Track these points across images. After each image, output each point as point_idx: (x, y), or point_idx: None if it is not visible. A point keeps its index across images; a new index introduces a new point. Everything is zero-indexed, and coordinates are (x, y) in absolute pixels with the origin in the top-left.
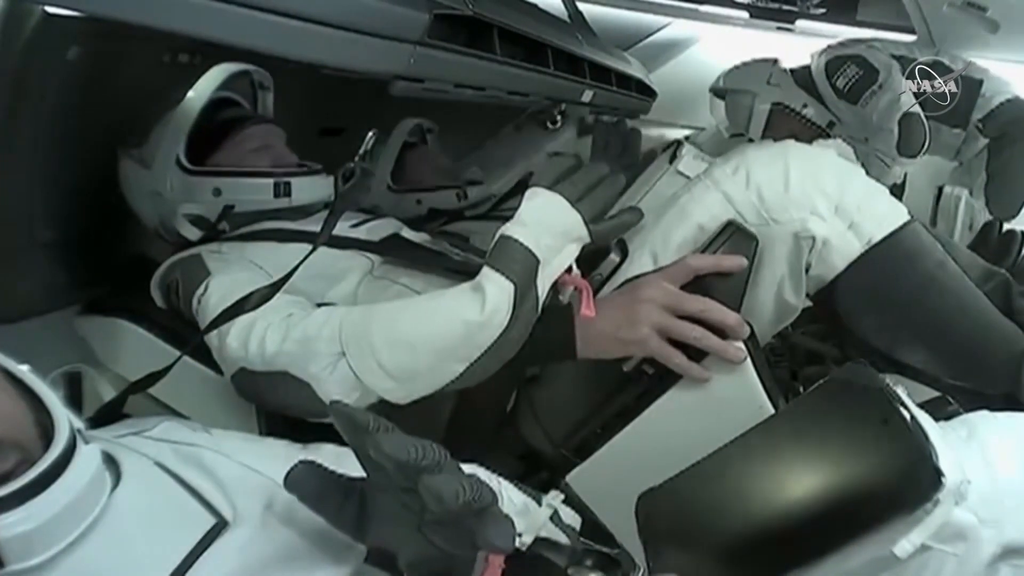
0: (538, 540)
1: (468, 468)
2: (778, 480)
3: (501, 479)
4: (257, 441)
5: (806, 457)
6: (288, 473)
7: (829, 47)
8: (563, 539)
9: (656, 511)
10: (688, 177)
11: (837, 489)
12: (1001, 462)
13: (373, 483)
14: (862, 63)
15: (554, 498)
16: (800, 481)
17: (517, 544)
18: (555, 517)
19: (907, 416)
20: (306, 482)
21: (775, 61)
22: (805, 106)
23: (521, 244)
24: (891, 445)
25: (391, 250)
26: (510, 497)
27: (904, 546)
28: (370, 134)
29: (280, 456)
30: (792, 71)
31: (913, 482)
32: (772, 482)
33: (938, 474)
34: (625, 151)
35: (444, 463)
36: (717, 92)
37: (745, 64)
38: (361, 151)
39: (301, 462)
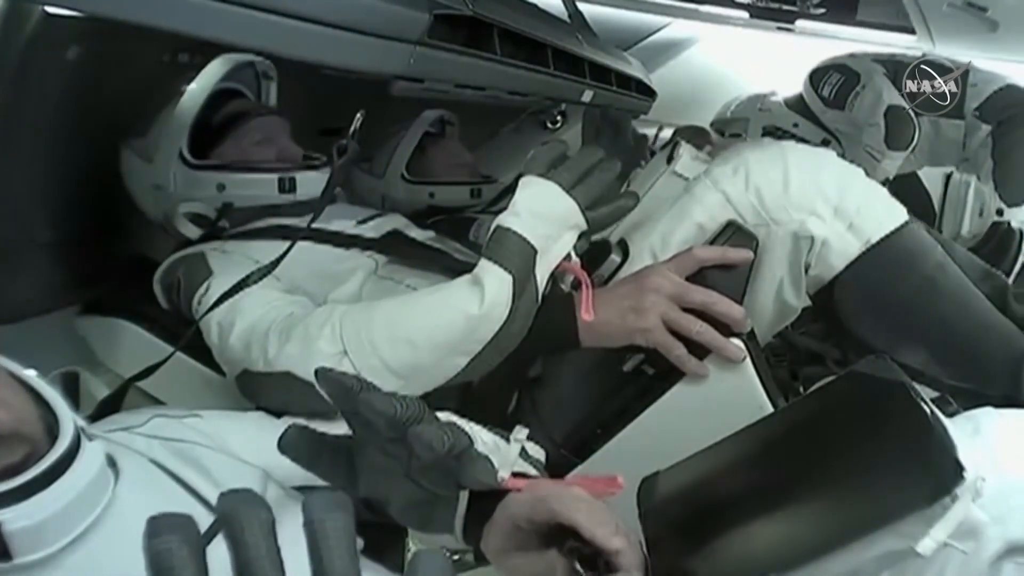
0: (513, 474)
1: (443, 416)
2: (795, 468)
3: (471, 423)
4: (244, 421)
5: (823, 446)
6: (281, 438)
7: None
8: (533, 472)
9: (661, 495)
10: (686, 178)
11: (855, 479)
12: (1007, 459)
13: (360, 440)
14: (843, 69)
15: (519, 432)
16: (817, 470)
17: (497, 480)
18: (523, 452)
19: (927, 410)
20: (298, 445)
21: (766, 95)
22: (796, 125)
23: (517, 234)
24: (912, 437)
25: (392, 246)
26: (482, 438)
27: (927, 543)
28: (358, 115)
29: (268, 439)
30: (785, 99)
31: (934, 475)
32: (789, 470)
33: (959, 467)
34: (618, 138)
35: (425, 414)
36: (718, 128)
37: (742, 98)
38: (351, 129)
39: (291, 427)
